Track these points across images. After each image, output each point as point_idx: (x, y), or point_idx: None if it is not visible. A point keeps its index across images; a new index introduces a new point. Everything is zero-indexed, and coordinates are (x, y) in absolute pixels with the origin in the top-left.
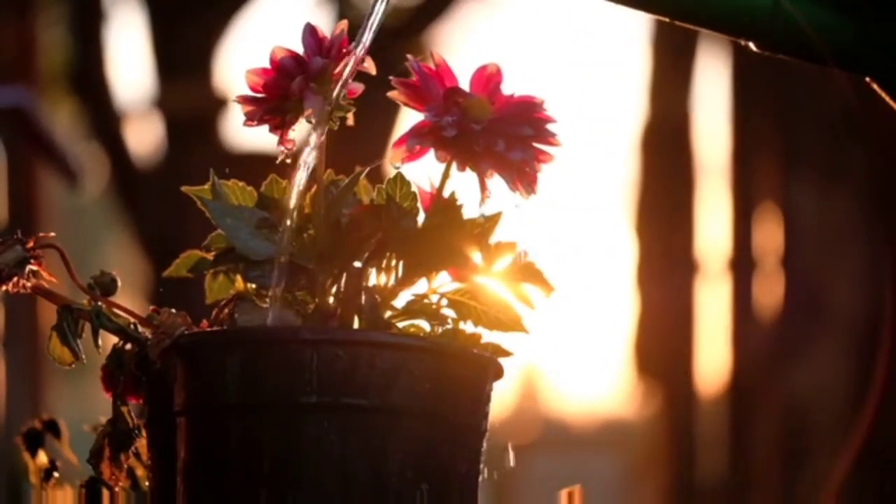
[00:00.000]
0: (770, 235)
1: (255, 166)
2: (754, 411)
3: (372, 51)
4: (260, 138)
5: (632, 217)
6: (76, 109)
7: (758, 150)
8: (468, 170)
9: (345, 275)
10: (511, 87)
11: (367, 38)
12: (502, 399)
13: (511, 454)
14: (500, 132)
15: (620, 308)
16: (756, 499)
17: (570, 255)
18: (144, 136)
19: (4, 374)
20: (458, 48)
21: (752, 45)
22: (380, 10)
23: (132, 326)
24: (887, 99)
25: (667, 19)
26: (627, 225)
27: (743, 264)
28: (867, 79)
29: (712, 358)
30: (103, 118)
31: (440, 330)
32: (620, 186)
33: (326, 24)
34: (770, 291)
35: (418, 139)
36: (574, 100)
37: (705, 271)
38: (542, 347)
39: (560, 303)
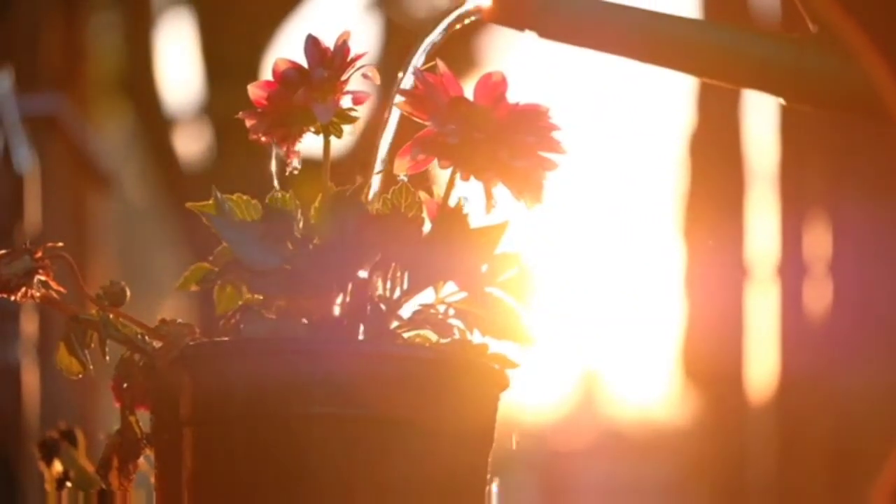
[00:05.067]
0: (819, 241)
1: (303, 171)
2: (804, 416)
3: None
4: (307, 144)
5: (682, 223)
6: (124, 115)
7: (807, 156)
8: (473, 179)
9: (350, 285)
10: (554, 94)
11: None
12: (555, 406)
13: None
14: (504, 140)
15: (670, 314)
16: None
17: (621, 261)
18: (193, 142)
19: (39, 382)
20: (505, 55)
21: (781, 100)
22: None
23: (140, 337)
24: None
25: (694, 77)
26: (677, 231)
27: (792, 270)
28: None
29: (762, 363)
30: (152, 124)
31: (446, 340)
32: (670, 193)
33: (375, 29)
34: (819, 297)
35: (422, 148)
36: (624, 106)
37: (754, 277)
38: (594, 354)
39: (611, 310)
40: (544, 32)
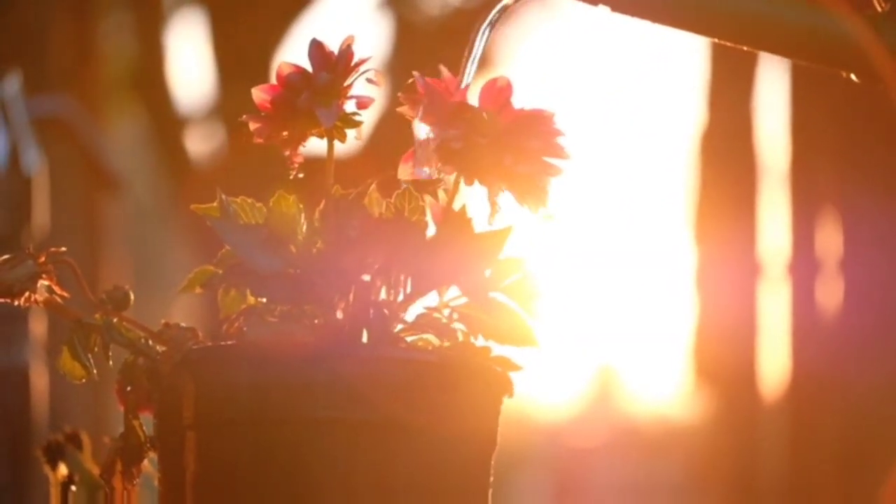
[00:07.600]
0: (831, 239)
1: (316, 171)
2: (816, 414)
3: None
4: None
5: (693, 221)
6: (134, 116)
7: (818, 153)
8: (477, 184)
9: (353, 289)
10: (563, 92)
11: (472, 70)
12: (569, 404)
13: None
14: (508, 146)
15: (683, 312)
16: (819, 502)
17: (633, 259)
18: (204, 142)
19: (48, 384)
20: (518, 53)
21: (853, 77)
22: (480, 44)
23: (143, 341)
24: None
25: (769, 54)
26: (689, 229)
27: (804, 268)
28: None
29: (774, 361)
30: (162, 125)
31: (449, 344)
32: (681, 190)
33: (387, 27)
34: (831, 295)
35: (425, 153)
36: (636, 104)
37: (767, 275)
38: (605, 353)
39: (623, 309)
40: (617, 6)
